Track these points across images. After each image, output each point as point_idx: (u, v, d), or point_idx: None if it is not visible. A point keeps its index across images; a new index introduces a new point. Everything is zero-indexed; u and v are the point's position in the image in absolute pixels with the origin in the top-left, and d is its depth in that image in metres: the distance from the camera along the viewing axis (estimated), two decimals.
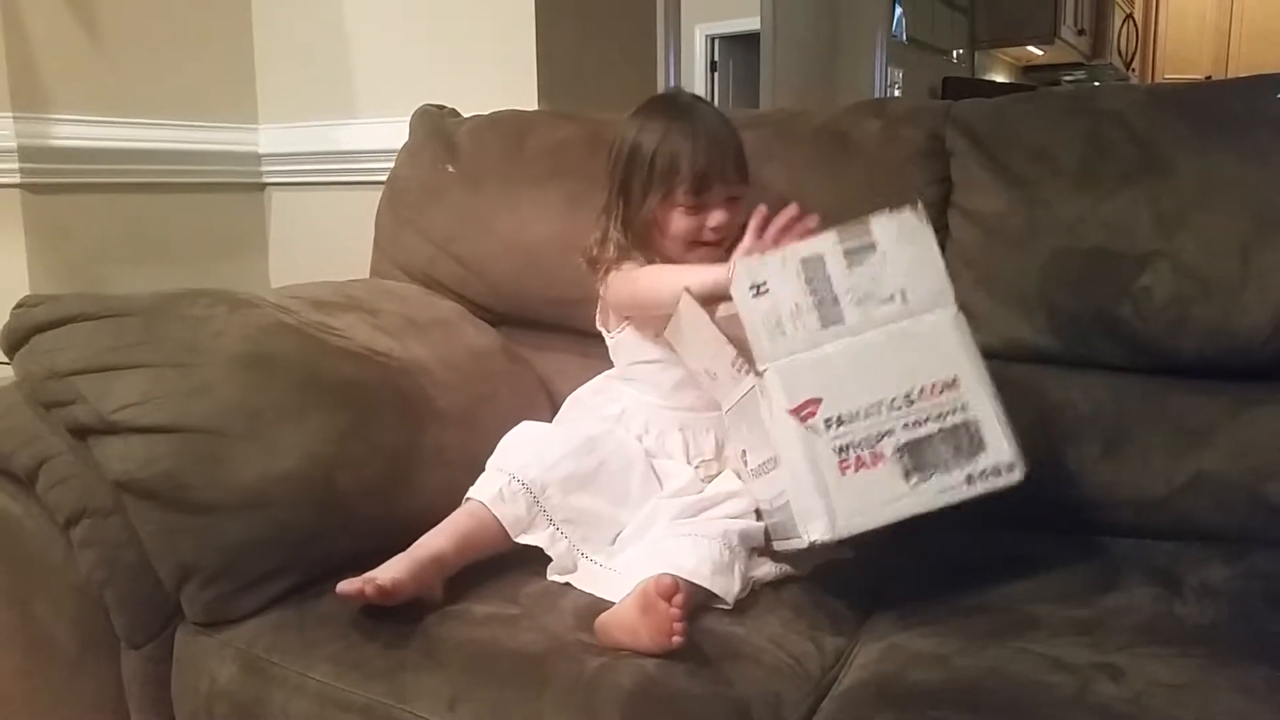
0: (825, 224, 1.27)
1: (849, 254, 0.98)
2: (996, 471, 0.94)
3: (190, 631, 1.04)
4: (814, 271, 0.97)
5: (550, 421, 1.33)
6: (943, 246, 1.28)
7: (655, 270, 1.21)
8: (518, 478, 1.08)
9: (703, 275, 1.09)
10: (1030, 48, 5.23)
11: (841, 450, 0.93)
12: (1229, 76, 4.23)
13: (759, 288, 0.97)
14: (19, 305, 1.11)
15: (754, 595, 1.02)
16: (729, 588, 0.99)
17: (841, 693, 0.86)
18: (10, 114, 1.69)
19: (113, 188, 1.88)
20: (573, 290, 1.35)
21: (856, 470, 0.93)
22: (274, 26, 2.09)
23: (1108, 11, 5.62)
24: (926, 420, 0.94)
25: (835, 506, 0.93)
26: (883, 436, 0.93)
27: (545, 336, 1.48)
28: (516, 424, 1.26)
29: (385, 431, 1.15)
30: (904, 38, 3.82)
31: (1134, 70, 6.08)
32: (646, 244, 1.24)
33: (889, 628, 0.95)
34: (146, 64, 1.92)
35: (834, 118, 1.36)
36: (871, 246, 0.98)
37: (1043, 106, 1.28)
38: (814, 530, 0.93)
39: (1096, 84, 4.96)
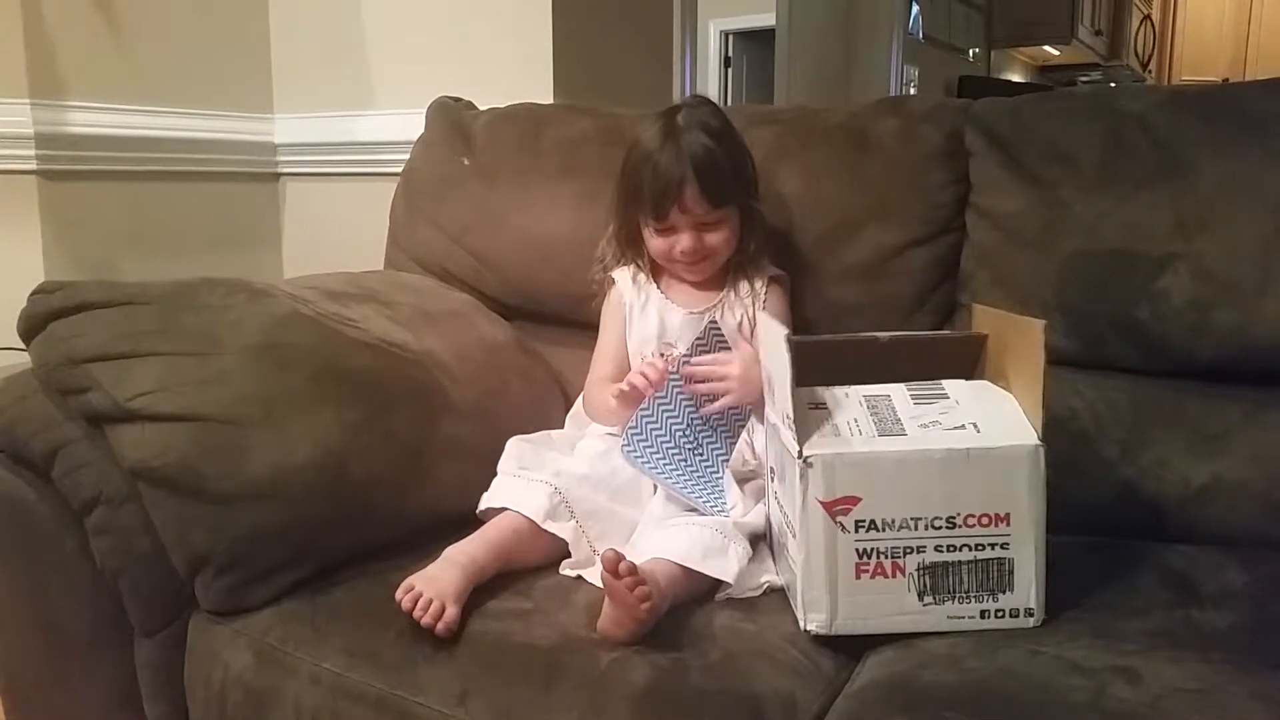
0: (840, 225, 1.29)
1: (916, 396, 0.95)
2: (1015, 613, 0.90)
3: (204, 620, 1.04)
4: (878, 404, 0.94)
5: (564, 414, 1.34)
6: (960, 246, 1.29)
7: (587, 396, 1.28)
8: (538, 477, 1.09)
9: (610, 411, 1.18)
10: (1047, 47, 5.21)
11: (864, 554, 0.89)
12: (1246, 79, 4.21)
13: (818, 405, 0.94)
14: (36, 291, 1.11)
15: (768, 594, 1.01)
16: (725, 568, 0.98)
17: (855, 692, 0.85)
18: (28, 100, 1.69)
19: (128, 175, 1.89)
20: (585, 285, 1.36)
21: (873, 576, 0.89)
22: (291, 16, 2.09)
23: (1125, 12, 5.60)
24: (961, 547, 0.89)
25: (840, 606, 0.90)
26: (910, 551, 0.89)
27: (558, 331, 1.48)
28: (530, 417, 1.27)
29: (399, 424, 1.15)
30: (920, 35, 3.80)
31: (1150, 71, 6.04)
32: (639, 252, 1.29)
33: None
34: (164, 52, 1.92)
35: (852, 115, 1.36)
36: (943, 395, 0.95)
37: (1063, 106, 1.27)
38: (812, 620, 0.91)
39: (1113, 85, 4.94)
